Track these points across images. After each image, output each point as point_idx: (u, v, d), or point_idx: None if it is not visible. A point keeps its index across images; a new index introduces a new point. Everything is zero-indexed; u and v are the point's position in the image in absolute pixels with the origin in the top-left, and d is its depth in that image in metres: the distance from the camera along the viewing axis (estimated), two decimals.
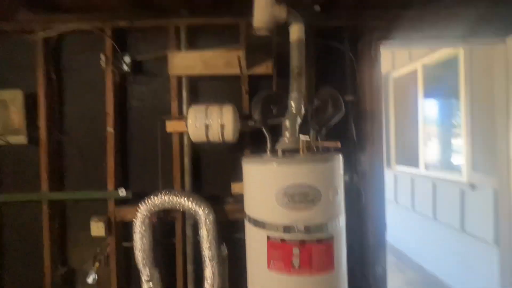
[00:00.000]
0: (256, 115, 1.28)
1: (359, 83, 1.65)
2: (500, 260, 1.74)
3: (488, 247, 2.05)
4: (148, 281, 1.48)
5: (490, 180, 2.01)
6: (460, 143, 2.42)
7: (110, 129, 1.59)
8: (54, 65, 1.63)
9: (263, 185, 1.06)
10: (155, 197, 1.46)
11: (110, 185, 1.59)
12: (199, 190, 1.62)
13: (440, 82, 2.82)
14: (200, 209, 1.44)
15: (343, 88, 1.61)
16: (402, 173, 3.22)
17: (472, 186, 2.18)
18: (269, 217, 1.03)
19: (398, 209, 3.32)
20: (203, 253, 1.47)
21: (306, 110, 1.27)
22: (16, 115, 1.62)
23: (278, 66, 1.52)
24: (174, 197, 1.46)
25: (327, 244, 1.01)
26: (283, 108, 1.33)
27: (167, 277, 1.59)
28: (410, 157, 3.14)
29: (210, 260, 1.46)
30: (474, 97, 2.18)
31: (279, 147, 1.19)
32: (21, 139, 1.60)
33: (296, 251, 1.00)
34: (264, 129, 1.27)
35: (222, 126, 1.28)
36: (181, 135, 1.59)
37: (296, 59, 1.23)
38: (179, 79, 1.59)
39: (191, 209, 1.44)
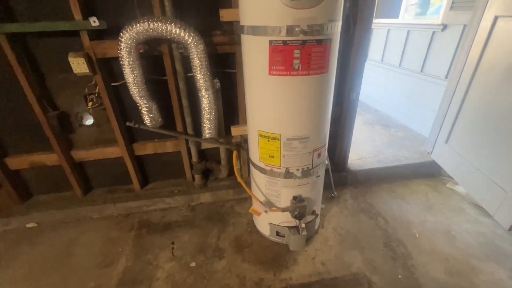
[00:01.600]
0: None
1: None
2: (444, 90, 2.10)
3: (440, 82, 2.42)
4: (148, 112, 1.57)
5: (463, 17, 2.11)
6: None
7: None
8: None
9: None
10: (137, 24, 1.31)
11: (77, 14, 1.37)
12: (182, 18, 1.47)
13: None
14: (190, 37, 1.37)
15: None
16: (380, 25, 3.21)
17: (444, 27, 2.30)
18: (271, 20, 1.02)
19: (368, 64, 3.53)
20: (198, 84, 1.52)
21: None
22: None
23: None
24: (159, 23, 1.33)
25: (325, 45, 1.08)
26: None
27: (165, 112, 1.69)
28: (391, 7, 3.04)
29: (205, 90, 1.53)
30: None
31: None
32: None
33: (297, 53, 1.06)
34: None
35: None
36: None
37: None
38: None
39: (180, 36, 1.36)
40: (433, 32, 2.43)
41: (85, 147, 1.82)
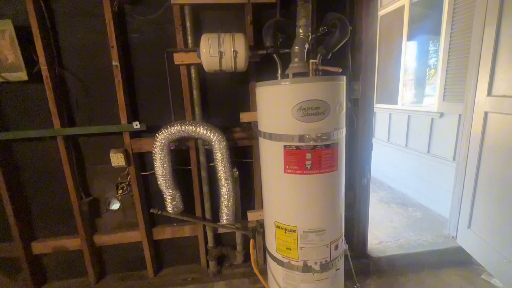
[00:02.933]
0: (268, 41, 1.35)
1: (356, 15, 1.73)
2: (455, 172, 2.16)
3: (448, 163, 2.49)
4: (171, 200, 1.69)
5: (456, 107, 2.33)
6: (434, 79, 2.67)
7: (115, 62, 1.58)
8: None
9: (280, 103, 1.21)
10: (171, 127, 1.57)
11: (123, 119, 1.66)
12: (208, 120, 1.74)
13: (425, 19, 2.94)
14: (215, 136, 1.59)
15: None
16: (382, 110, 3.53)
17: (441, 114, 2.52)
18: (286, 130, 1.21)
19: (376, 143, 3.73)
20: (219, 174, 1.67)
21: (313, 37, 1.37)
22: (9, 49, 1.54)
23: None
24: (189, 126, 1.58)
25: (333, 148, 1.24)
26: (289, 36, 1.42)
27: (186, 198, 1.81)
28: (390, 94, 3.41)
29: (225, 179, 1.67)
30: (454, 32, 2.35)
31: (290, 71, 1.32)
32: (21, 75, 1.55)
33: (308, 155, 1.21)
34: (275, 55, 1.37)
35: (235, 53, 1.35)
36: (188, 67, 1.64)
37: None
38: (182, 8, 1.55)
39: (206, 135, 1.59)
40: (432, 119, 2.65)
41: (108, 231, 1.90)
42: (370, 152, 1.89)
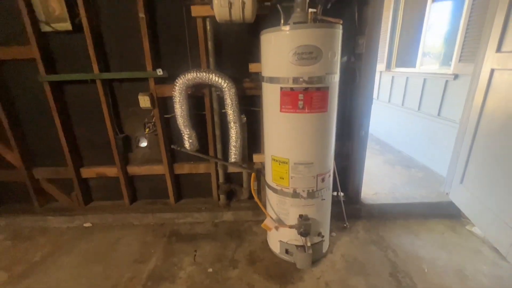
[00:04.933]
0: None
1: None
2: (457, 131, 2.22)
3: (455, 126, 2.51)
4: (188, 138, 2.00)
5: (470, 68, 2.30)
6: (457, 38, 2.58)
7: (141, 15, 1.81)
8: None
9: (279, 48, 1.38)
10: (188, 74, 1.82)
11: (149, 66, 1.93)
12: (221, 70, 1.95)
13: None
14: (225, 82, 1.82)
15: None
16: (399, 73, 3.48)
17: (455, 76, 2.50)
18: (282, 73, 1.40)
19: (390, 107, 3.74)
20: (228, 118, 1.93)
21: None
22: (56, 3, 1.82)
23: None
24: (204, 73, 1.81)
25: (324, 92, 1.41)
26: None
27: (200, 139, 2.10)
28: (409, 58, 3.33)
29: (234, 123, 1.93)
30: None
31: (291, 20, 1.46)
32: (66, 26, 1.84)
33: (301, 96, 1.40)
34: (279, 6, 1.50)
35: (243, 4, 1.51)
36: (204, 20, 1.82)
37: None
38: None
39: (218, 82, 1.82)
40: (446, 81, 2.62)
41: (138, 164, 2.29)
42: (370, 106, 2.01)
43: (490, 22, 1.85)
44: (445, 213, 2.27)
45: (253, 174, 1.86)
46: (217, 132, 2.11)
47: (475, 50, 2.26)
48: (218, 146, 2.16)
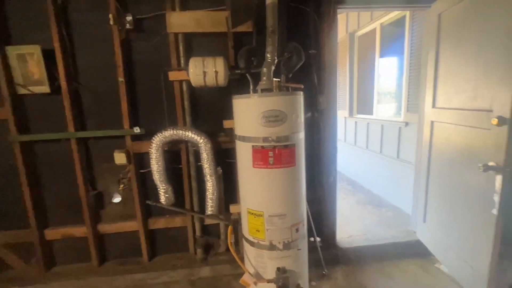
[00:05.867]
0: (242, 64, 1.71)
1: (320, 40, 2.09)
2: (414, 174, 2.47)
3: (413, 167, 2.79)
4: (164, 192, 2.01)
5: (416, 117, 2.67)
6: (402, 92, 3.02)
7: (121, 79, 1.94)
8: (65, 23, 1.88)
9: (249, 112, 1.54)
10: (165, 131, 1.91)
11: (126, 124, 2.01)
12: (197, 127, 2.08)
13: (393, 40, 3.32)
14: (201, 138, 1.93)
15: (308, 43, 2.06)
16: (361, 119, 3.87)
17: (406, 123, 2.86)
18: (253, 133, 1.54)
19: (357, 150, 4.05)
20: (205, 171, 1.99)
21: (279, 60, 1.72)
22: (36, 68, 1.90)
23: (257, 25, 1.91)
24: (180, 131, 1.92)
25: (291, 148, 1.56)
26: (262, 59, 1.78)
27: (176, 193, 2.12)
28: (367, 106, 3.76)
29: (210, 176, 1.99)
30: (413, 54, 2.72)
31: (259, 87, 1.67)
32: (44, 89, 1.91)
33: (271, 153, 1.54)
34: (247, 75, 1.72)
35: (216, 73, 1.70)
36: (181, 83, 1.99)
37: (270, 19, 1.63)
38: (176, 35, 1.93)
39: (194, 138, 1.92)
40: (400, 127, 2.98)
41: (110, 221, 2.20)
42: (335, 155, 2.20)
43: (424, 83, 2.23)
44: (416, 252, 2.38)
45: (230, 227, 1.87)
46: (194, 185, 2.15)
47: (417, 102, 2.65)
48: (195, 199, 2.17)
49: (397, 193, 3.13)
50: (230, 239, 1.85)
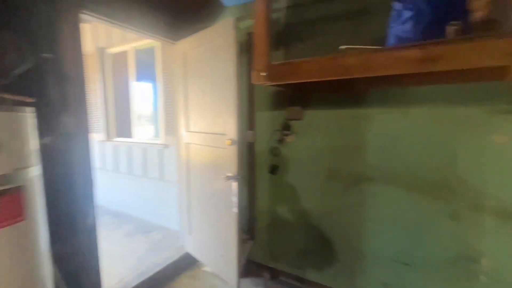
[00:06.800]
0: None
1: (61, 44, 1.62)
2: (177, 191, 2.69)
3: (176, 186, 3.03)
4: None
5: (175, 139, 2.95)
6: (160, 116, 3.20)
7: None
8: None
9: None
10: None
11: None
12: None
13: (149, 66, 3.47)
14: None
15: (43, 45, 1.51)
16: (121, 143, 3.58)
17: (166, 146, 3.06)
18: None
19: (120, 176, 3.68)
20: None
21: None
22: None
23: None
24: None
25: (15, 194, 1.00)
26: None
27: None
28: (127, 129, 3.56)
29: None
30: (166, 79, 2.99)
31: None
32: None
33: None
34: None
35: None
36: None
37: None
38: None
39: None
40: (160, 149, 3.12)
41: None
42: (91, 188, 1.79)
43: (178, 109, 2.51)
44: (187, 264, 2.55)
45: None
46: None
47: (175, 126, 2.94)
48: None
49: (165, 213, 3.22)
50: None
